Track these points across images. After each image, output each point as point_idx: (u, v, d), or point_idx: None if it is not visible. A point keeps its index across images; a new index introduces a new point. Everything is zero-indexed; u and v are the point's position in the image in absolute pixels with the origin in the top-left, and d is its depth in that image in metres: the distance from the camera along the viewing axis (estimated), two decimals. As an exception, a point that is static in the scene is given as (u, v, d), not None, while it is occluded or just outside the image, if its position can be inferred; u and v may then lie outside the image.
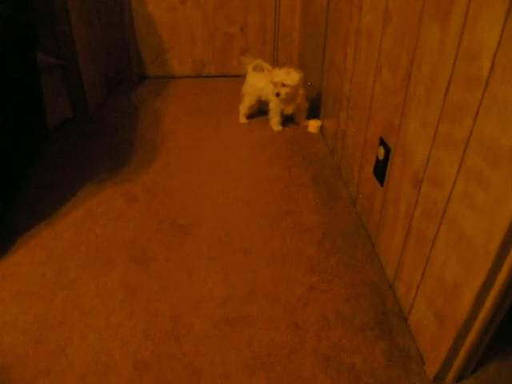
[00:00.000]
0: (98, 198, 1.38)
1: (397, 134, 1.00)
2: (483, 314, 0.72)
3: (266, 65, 1.84)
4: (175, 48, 2.23)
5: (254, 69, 1.85)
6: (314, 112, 1.86)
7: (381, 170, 1.08)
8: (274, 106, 1.78)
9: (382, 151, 1.07)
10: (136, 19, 2.14)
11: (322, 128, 1.81)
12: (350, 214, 1.31)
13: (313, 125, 1.83)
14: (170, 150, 1.67)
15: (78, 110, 1.86)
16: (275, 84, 1.68)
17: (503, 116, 0.63)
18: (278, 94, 1.67)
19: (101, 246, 1.18)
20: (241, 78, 2.37)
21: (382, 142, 1.08)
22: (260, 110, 1.92)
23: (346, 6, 1.37)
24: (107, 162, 1.58)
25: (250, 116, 1.91)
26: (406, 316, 0.98)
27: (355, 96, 1.32)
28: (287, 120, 1.86)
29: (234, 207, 1.34)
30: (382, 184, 1.09)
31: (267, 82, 1.76)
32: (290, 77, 1.65)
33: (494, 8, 0.64)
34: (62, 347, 0.91)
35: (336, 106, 1.55)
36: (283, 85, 1.66)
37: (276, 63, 2.25)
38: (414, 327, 0.93)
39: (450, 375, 0.83)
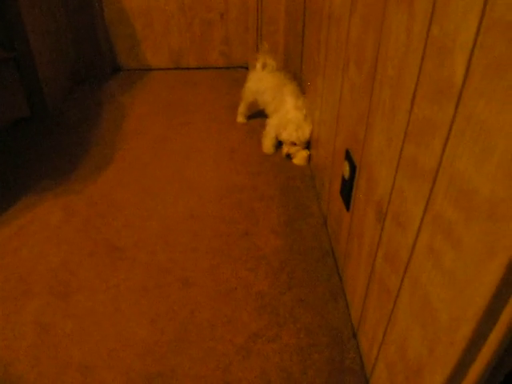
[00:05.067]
0: (35, 212, 1.21)
1: (362, 148, 0.79)
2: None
3: (271, 62, 1.54)
4: (150, 37, 2.03)
5: (262, 67, 1.56)
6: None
7: (346, 191, 0.88)
8: (270, 130, 1.48)
9: (347, 168, 0.86)
10: (106, 5, 1.94)
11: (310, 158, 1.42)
12: (319, 237, 1.11)
13: (298, 155, 1.41)
14: (127, 153, 1.48)
15: (35, 108, 1.69)
16: (285, 142, 1.42)
17: (481, 148, 0.42)
18: (288, 155, 1.43)
19: (23, 273, 1.02)
20: (222, 70, 2.17)
21: (348, 157, 0.87)
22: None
23: (321, -14, 1.15)
24: (54, 168, 1.40)
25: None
26: (367, 378, 0.78)
27: (327, 94, 1.11)
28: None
29: (183, 225, 1.15)
30: (347, 208, 0.89)
31: (263, 83, 1.52)
32: (302, 133, 1.37)
33: (469, -19, 0.43)
34: None
35: (312, 104, 1.33)
36: (294, 143, 1.40)
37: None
38: (376, 396, 0.74)
39: None
